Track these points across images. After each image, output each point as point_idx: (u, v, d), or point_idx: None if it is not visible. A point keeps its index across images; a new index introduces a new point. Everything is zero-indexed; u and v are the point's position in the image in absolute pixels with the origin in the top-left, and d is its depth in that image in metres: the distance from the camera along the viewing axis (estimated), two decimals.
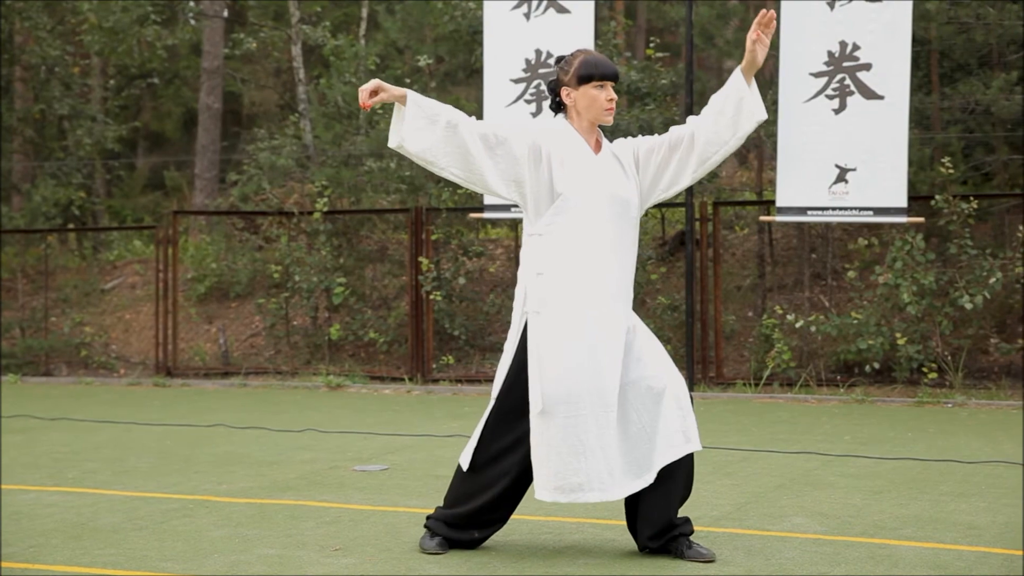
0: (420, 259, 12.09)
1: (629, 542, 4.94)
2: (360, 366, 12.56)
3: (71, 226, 16.42)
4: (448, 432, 8.50)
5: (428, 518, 4.94)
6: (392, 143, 4.66)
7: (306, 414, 9.71)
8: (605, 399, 4.62)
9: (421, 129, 4.59)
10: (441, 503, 4.96)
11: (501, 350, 12.64)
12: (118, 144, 17.30)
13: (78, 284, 14.96)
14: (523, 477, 4.79)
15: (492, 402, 4.80)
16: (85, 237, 16.80)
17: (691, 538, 4.75)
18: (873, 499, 5.95)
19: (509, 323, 12.61)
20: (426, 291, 12.08)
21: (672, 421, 4.65)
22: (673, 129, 4.83)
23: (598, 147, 4.78)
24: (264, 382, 12.25)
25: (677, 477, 4.69)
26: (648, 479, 4.64)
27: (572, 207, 4.64)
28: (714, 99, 4.78)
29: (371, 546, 4.99)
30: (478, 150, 4.62)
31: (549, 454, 4.63)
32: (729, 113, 4.71)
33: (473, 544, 4.89)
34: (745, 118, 4.70)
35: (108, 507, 5.85)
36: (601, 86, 4.71)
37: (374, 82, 4.60)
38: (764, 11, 4.69)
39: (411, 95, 4.61)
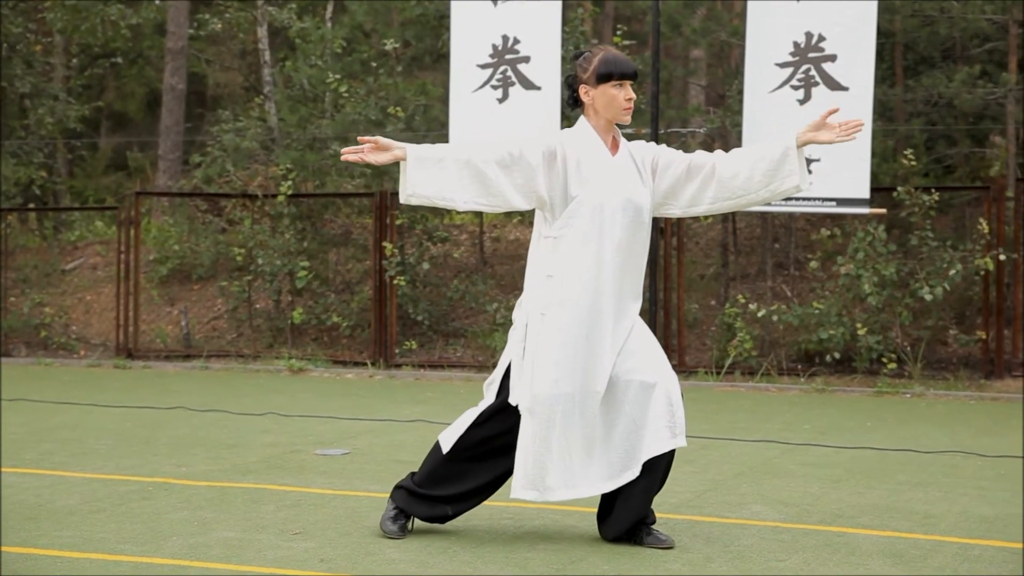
0: (384, 244, 12.06)
1: (589, 528, 4.96)
2: (323, 350, 12.53)
3: (32, 206, 16.26)
4: (410, 417, 8.50)
5: (397, 488, 4.90)
6: (403, 198, 4.65)
7: (268, 397, 9.68)
8: (593, 401, 4.65)
9: (431, 175, 4.59)
10: (413, 476, 4.91)
11: (464, 336, 12.71)
12: (80, 124, 17.13)
13: (38, 264, 14.82)
14: (506, 473, 4.81)
15: (492, 397, 4.78)
16: (46, 217, 16.63)
17: (650, 525, 4.78)
18: (831, 487, 6.00)
19: (472, 309, 12.71)
20: (390, 276, 12.06)
21: (660, 416, 4.66)
22: (698, 153, 4.82)
23: (615, 147, 4.77)
24: (226, 365, 12.20)
25: (657, 471, 4.72)
26: (634, 472, 4.67)
27: (585, 211, 4.65)
28: (756, 146, 4.80)
29: (331, 530, 4.99)
30: (495, 174, 4.62)
31: (540, 452, 4.65)
32: (766, 165, 4.68)
33: (444, 519, 4.89)
34: (783, 176, 4.66)
35: (66, 489, 5.81)
36: (620, 85, 4.70)
37: (378, 139, 4.61)
38: (857, 122, 4.71)
39: (411, 149, 4.61)
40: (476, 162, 4.61)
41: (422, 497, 4.84)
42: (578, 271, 4.65)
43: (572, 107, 4.83)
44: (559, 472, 4.65)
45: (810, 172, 9.90)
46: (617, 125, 4.80)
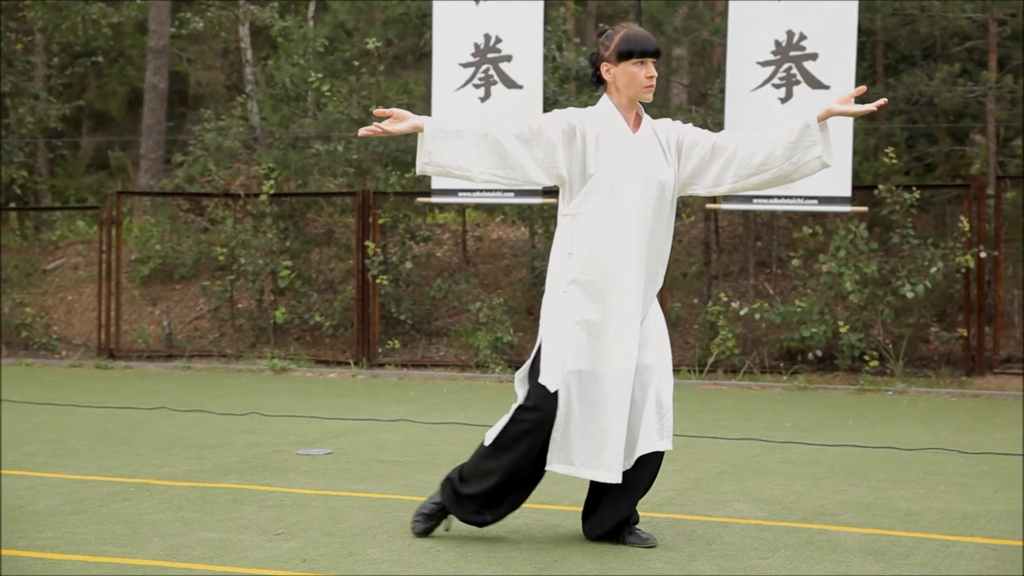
0: (367, 243, 12.04)
1: (572, 527, 4.96)
2: (305, 350, 12.50)
3: (13, 205, 16.18)
4: (393, 417, 8.49)
5: (446, 481, 4.81)
6: (419, 167, 4.64)
7: (250, 397, 9.65)
8: (622, 380, 4.61)
9: (448, 145, 4.58)
10: (461, 471, 4.80)
11: (448, 335, 12.67)
12: (61, 123, 17.04)
13: (19, 264, 14.75)
14: (542, 460, 4.70)
15: (527, 383, 4.71)
16: (27, 217, 16.56)
17: (633, 524, 4.78)
18: (813, 485, 6.01)
19: (455, 308, 12.68)
20: (372, 275, 12.04)
21: (651, 417, 4.67)
22: (723, 134, 4.80)
23: (637, 124, 4.73)
24: (208, 365, 12.17)
25: (647, 471, 4.71)
26: (629, 463, 4.67)
27: (604, 188, 4.62)
28: (778, 126, 4.77)
29: (314, 530, 4.98)
30: (514, 147, 4.61)
31: (569, 428, 4.62)
32: (787, 138, 4.64)
33: (483, 524, 4.80)
34: (804, 146, 4.60)
35: (47, 490, 5.79)
36: (641, 63, 4.65)
37: (394, 110, 4.59)
38: (881, 101, 4.73)
39: (428, 120, 4.60)
40: (495, 135, 4.60)
41: (462, 496, 4.74)
42: (597, 248, 4.62)
43: (595, 85, 4.81)
44: (586, 451, 4.62)
45: None
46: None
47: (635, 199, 4.63)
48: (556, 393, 4.62)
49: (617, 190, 4.62)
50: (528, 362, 4.75)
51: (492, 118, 4.73)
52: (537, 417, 4.65)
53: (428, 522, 4.84)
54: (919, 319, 11.19)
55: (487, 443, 4.73)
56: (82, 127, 22.83)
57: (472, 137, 4.60)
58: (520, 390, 4.74)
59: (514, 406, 4.72)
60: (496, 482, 4.70)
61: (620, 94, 4.71)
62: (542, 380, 4.64)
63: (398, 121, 4.59)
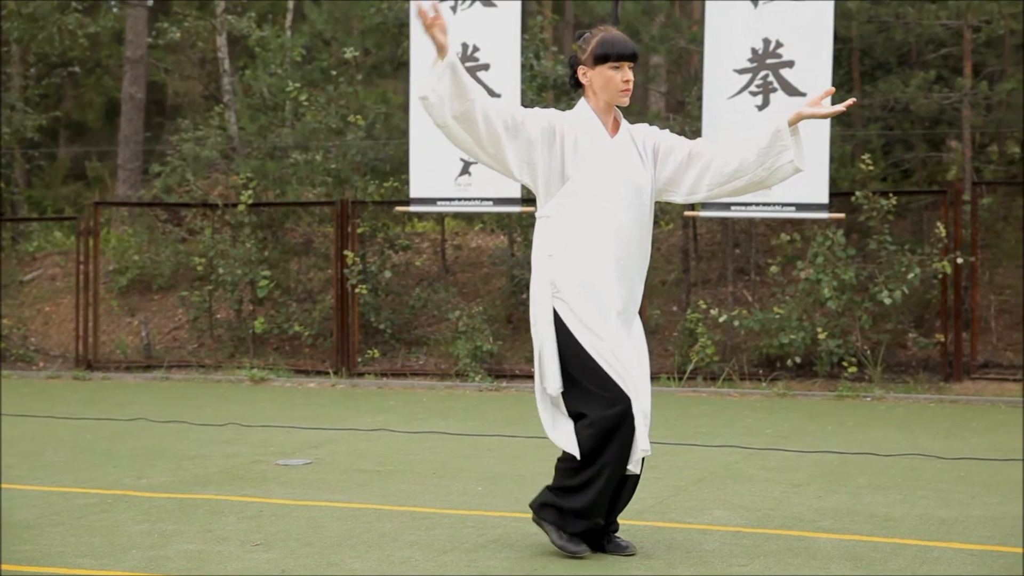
0: (346, 252, 12.02)
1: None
2: (284, 360, 12.47)
3: None
4: (372, 426, 8.47)
5: (543, 506, 4.68)
6: (422, 92, 4.51)
7: (229, 408, 9.62)
8: (625, 382, 4.59)
9: (459, 93, 4.49)
10: (551, 494, 4.69)
11: (427, 344, 12.62)
12: (38, 134, 16.98)
13: None
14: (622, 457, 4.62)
15: (574, 390, 4.62)
16: (4, 228, 16.46)
17: (613, 532, 4.78)
18: (792, 492, 6.03)
19: (434, 317, 12.67)
20: (351, 284, 12.02)
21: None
22: (699, 141, 4.80)
23: (615, 128, 4.73)
24: (187, 375, 12.13)
25: (630, 479, 4.70)
26: None
27: (582, 190, 4.61)
28: (751, 131, 4.76)
29: (293, 540, 4.96)
30: (501, 131, 4.59)
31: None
32: (759, 144, 4.64)
33: (597, 527, 4.67)
34: (776, 152, 4.62)
35: (24, 502, 5.76)
36: (617, 67, 4.64)
37: (443, 18, 4.44)
38: (849, 100, 4.74)
39: (452, 53, 4.46)
40: (492, 116, 4.56)
41: (569, 511, 4.63)
42: (579, 250, 4.60)
43: (573, 88, 4.81)
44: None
45: None
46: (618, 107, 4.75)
47: (612, 202, 4.63)
48: (603, 385, 4.54)
49: (595, 193, 4.62)
50: (541, 377, 4.64)
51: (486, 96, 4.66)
52: (615, 412, 4.55)
53: (573, 539, 4.65)
54: (897, 325, 11.24)
55: (578, 456, 4.56)
56: (59, 138, 22.74)
57: (475, 104, 4.52)
58: (542, 405, 4.66)
59: (585, 417, 4.57)
60: (598, 488, 4.57)
61: (597, 98, 4.71)
62: (548, 385, 4.59)
63: (441, 32, 4.41)
